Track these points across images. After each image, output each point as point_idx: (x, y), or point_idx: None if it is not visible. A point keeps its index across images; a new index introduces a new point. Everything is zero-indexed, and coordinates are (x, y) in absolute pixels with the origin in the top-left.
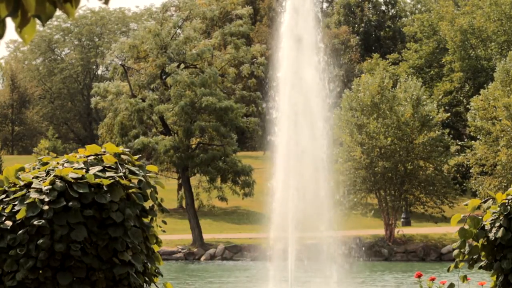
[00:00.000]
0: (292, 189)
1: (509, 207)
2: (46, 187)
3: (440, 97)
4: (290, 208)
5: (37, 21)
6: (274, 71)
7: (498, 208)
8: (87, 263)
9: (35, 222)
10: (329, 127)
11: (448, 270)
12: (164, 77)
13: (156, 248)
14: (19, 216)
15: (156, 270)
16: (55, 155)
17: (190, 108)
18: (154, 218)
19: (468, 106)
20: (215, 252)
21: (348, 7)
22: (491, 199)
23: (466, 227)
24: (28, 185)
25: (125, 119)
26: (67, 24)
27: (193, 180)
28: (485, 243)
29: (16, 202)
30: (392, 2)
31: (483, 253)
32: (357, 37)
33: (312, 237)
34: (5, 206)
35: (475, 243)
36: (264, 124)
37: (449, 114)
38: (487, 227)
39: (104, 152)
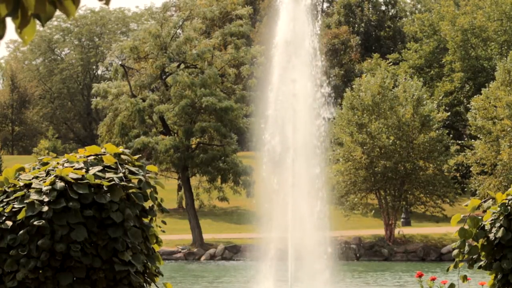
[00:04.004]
0: (290, 188)
1: (509, 207)
2: (46, 187)
3: (440, 97)
4: (289, 208)
5: (37, 21)
6: (267, 77)
7: (498, 208)
8: (86, 263)
9: (35, 222)
10: (326, 127)
11: (447, 270)
12: (164, 77)
13: (156, 247)
14: (19, 217)
15: (157, 270)
16: (55, 155)
17: (190, 108)
18: (154, 218)
19: (468, 106)
20: (215, 252)
21: (348, 7)
22: (491, 199)
23: (466, 227)
24: (28, 185)
25: (126, 119)
26: (67, 24)
27: (193, 180)
28: (485, 243)
29: (16, 202)
30: (392, 2)
31: (482, 253)
32: (357, 37)
33: (311, 237)
34: (5, 206)
35: (475, 243)
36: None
37: (448, 113)
38: (487, 227)
39: (104, 152)
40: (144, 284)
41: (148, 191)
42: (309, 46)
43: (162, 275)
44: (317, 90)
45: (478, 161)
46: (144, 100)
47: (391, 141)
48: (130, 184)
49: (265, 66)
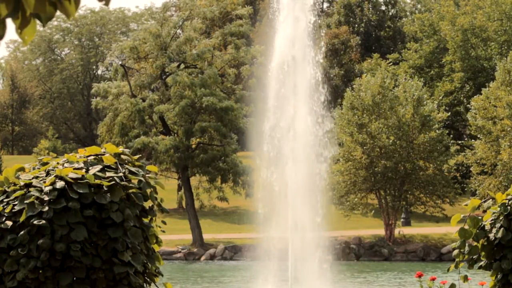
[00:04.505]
0: (290, 188)
1: (509, 207)
2: (46, 187)
3: (440, 97)
4: (289, 207)
5: (37, 21)
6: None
7: (498, 208)
8: (86, 263)
9: (35, 222)
10: (326, 128)
11: (448, 270)
12: (164, 77)
13: (156, 248)
14: (21, 219)
15: (157, 270)
16: (55, 155)
17: (190, 108)
18: (154, 218)
19: (468, 106)
20: (215, 252)
21: (348, 7)
22: (491, 199)
23: (466, 227)
24: (28, 185)
25: (126, 119)
26: (67, 24)
27: (193, 180)
28: (485, 243)
29: (16, 202)
30: (392, 2)
31: (483, 253)
32: (357, 37)
33: (310, 237)
34: (5, 206)
35: (475, 243)
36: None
37: (449, 113)
38: (487, 227)
39: (104, 152)
40: (144, 284)
41: (148, 191)
42: (310, 77)
43: (162, 275)
44: (318, 128)
45: (478, 161)
46: (144, 100)
47: (391, 141)
48: (130, 184)
49: (261, 89)
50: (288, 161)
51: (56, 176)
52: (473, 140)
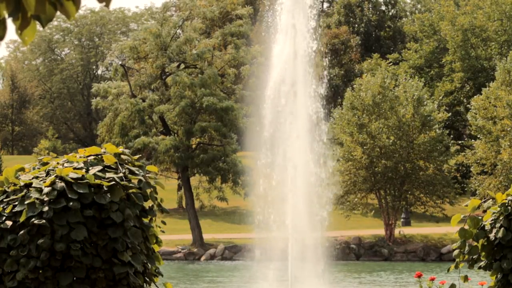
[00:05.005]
0: (290, 188)
1: (509, 207)
2: (46, 187)
3: (440, 97)
4: (289, 207)
5: (37, 22)
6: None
7: (498, 208)
8: (86, 263)
9: (35, 221)
10: (326, 126)
11: (448, 271)
12: (164, 77)
13: (156, 248)
14: (21, 220)
15: (156, 270)
16: (55, 155)
17: (190, 108)
18: (154, 218)
19: (468, 106)
20: (215, 252)
21: (348, 7)
22: (491, 199)
23: (466, 227)
24: (28, 185)
25: (125, 119)
26: (67, 24)
27: (193, 180)
28: (485, 243)
29: (16, 203)
30: (392, 2)
31: (483, 253)
32: (357, 37)
33: (311, 237)
34: (5, 206)
35: (475, 243)
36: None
37: (449, 113)
38: (487, 227)
39: (104, 152)
40: (144, 284)
41: (148, 191)
42: (312, 112)
43: (162, 275)
44: (320, 169)
45: (478, 161)
46: (144, 100)
47: (391, 141)
48: (130, 184)
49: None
50: (286, 202)
51: (56, 176)
52: (473, 140)
